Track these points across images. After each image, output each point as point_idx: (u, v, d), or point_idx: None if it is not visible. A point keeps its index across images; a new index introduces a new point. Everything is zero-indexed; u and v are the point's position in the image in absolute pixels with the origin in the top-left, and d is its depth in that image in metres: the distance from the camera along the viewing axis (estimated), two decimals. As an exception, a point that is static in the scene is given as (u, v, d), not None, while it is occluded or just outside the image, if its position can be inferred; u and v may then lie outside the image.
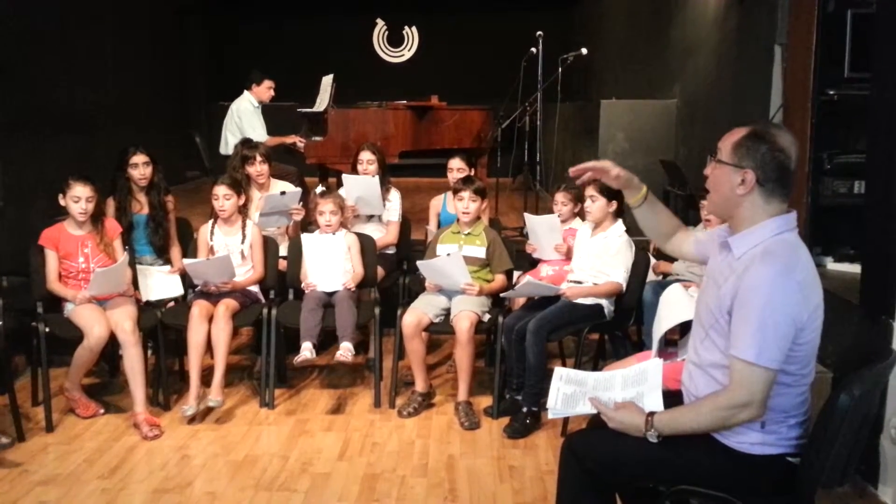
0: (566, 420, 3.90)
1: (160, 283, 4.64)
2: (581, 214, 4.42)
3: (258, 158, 4.92)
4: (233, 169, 4.95)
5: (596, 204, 4.12)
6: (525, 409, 3.99)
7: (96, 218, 4.23)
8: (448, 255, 4.21)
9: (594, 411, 2.35)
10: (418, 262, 4.32)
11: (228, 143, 6.38)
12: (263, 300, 4.53)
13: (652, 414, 2.24)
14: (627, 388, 2.38)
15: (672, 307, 3.20)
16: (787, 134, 2.22)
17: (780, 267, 2.12)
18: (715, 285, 2.27)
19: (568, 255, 4.38)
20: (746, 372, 2.11)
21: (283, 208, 4.81)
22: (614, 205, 4.09)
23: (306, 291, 4.41)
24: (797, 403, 2.23)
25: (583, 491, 2.35)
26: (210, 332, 4.17)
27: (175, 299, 4.66)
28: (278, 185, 4.98)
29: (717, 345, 2.24)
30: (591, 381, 2.45)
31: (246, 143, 5.13)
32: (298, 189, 4.99)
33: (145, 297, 4.49)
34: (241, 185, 4.64)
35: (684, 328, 3.17)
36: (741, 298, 2.14)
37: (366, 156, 5.05)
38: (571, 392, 2.42)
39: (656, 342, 3.07)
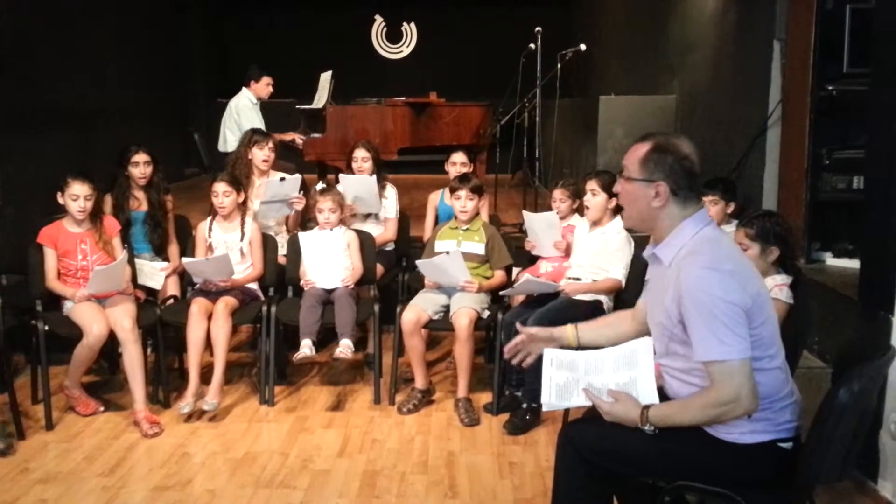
0: (566, 415, 3.89)
1: (147, 273, 4.64)
2: (580, 211, 4.41)
3: (269, 144, 4.97)
4: (237, 156, 4.98)
5: (596, 199, 4.11)
6: (524, 406, 3.99)
7: (95, 216, 4.23)
8: (448, 253, 4.20)
9: (588, 403, 2.34)
10: (418, 262, 4.32)
11: (227, 140, 6.38)
12: (263, 297, 4.53)
13: (647, 407, 2.24)
14: (619, 371, 2.37)
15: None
16: (686, 140, 2.30)
17: (707, 262, 2.16)
18: (658, 299, 2.31)
19: (567, 252, 4.37)
20: (722, 370, 2.13)
21: (283, 196, 4.82)
22: (614, 201, 4.07)
23: (305, 289, 4.41)
24: (776, 385, 2.24)
25: (580, 481, 2.36)
26: (209, 330, 4.18)
27: (174, 297, 4.67)
28: (278, 176, 4.98)
29: (680, 352, 2.27)
30: (581, 363, 2.43)
31: (258, 131, 5.20)
32: (298, 176, 4.99)
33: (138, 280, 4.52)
34: (240, 182, 4.64)
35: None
36: (685, 304, 2.17)
37: (360, 153, 5.05)
38: (564, 381, 2.40)
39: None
